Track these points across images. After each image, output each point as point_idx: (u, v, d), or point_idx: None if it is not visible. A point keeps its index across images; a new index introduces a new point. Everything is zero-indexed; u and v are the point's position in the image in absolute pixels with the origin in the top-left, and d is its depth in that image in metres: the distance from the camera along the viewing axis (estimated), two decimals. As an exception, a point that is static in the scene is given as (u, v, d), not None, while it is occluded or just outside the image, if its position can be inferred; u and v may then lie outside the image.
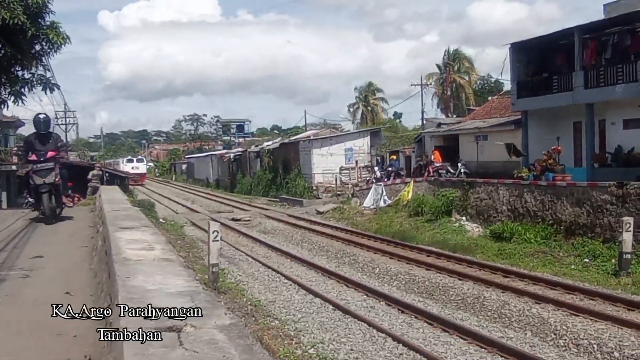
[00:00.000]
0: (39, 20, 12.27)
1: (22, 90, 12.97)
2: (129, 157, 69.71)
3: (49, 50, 12.86)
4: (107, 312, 3.11)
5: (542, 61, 19.99)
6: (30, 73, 13.11)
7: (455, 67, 50.43)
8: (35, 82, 13.07)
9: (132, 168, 60.60)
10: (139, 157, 72.72)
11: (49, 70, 13.39)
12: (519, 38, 18.22)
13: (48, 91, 13.46)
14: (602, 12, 15.25)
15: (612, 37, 15.59)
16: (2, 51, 12.23)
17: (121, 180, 35.30)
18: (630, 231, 12.07)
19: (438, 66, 53.00)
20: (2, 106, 14.96)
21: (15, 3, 11.04)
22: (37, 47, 12.84)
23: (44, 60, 13.06)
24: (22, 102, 13.33)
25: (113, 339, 2.45)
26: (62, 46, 12.82)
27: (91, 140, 76.19)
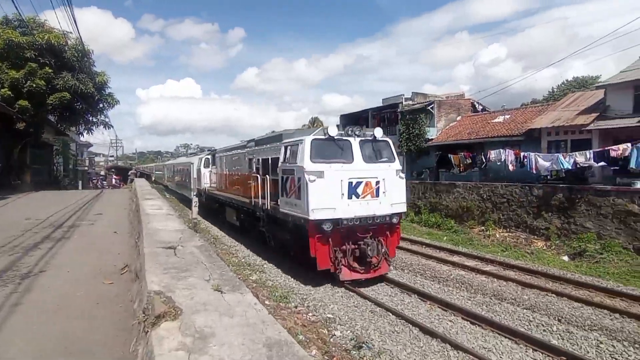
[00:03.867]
0: (102, 90, 24.81)
1: (92, 127, 27.15)
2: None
3: (107, 107, 26.22)
4: (137, 240, 6.06)
5: (355, 124, 28.36)
6: (97, 118, 26.78)
7: (315, 124, 59.12)
8: (99, 123, 27.24)
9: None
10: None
11: (107, 118, 27.53)
12: (346, 112, 34.11)
13: (106, 128, 28.58)
14: (382, 101, 31.12)
15: (386, 114, 29.96)
16: (81, 106, 24.10)
17: (147, 176, 56.07)
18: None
19: (309, 124, 61.28)
20: (80, 136, 36.03)
21: (87, 81, 22.77)
22: (100, 105, 25.70)
23: (104, 112, 26.77)
24: (91, 134, 28.52)
25: (139, 253, 5.40)
26: (115, 105, 26.24)
27: (131, 154, 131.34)
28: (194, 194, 22.07)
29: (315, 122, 63.67)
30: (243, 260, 12.54)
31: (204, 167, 22.03)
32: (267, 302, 8.37)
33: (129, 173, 49.16)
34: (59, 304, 4.25)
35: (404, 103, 27.31)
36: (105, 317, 3.96)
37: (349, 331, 7.46)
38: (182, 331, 2.49)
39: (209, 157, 22.29)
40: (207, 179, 21.28)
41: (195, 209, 14.16)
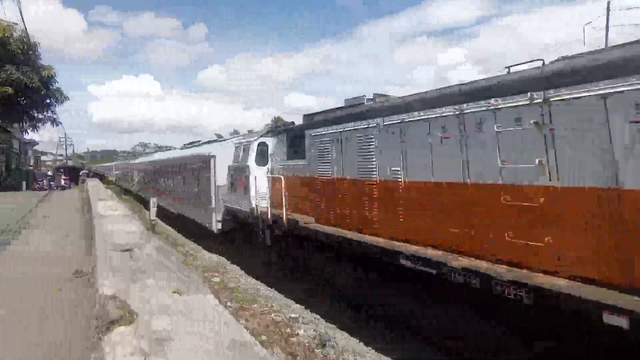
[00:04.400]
0: (49, 85, 23.77)
1: (37, 124, 26.03)
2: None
3: (55, 103, 25.25)
4: (90, 243, 5.78)
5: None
6: (43, 115, 25.39)
7: (278, 124, 61.89)
8: (45, 120, 25.85)
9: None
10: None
11: (55, 114, 26.26)
12: (310, 112, 36.17)
13: (54, 125, 27.54)
14: (344, 102, 32.11)
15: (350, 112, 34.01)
16: (25, 101, 23.10)
17: (100, 177, 53.37)
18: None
19: (272, 123, 65.02)
20: (25, 133, 32.38)
21: (33, 75, 21.53)
22: (47, 101, 24.60)
23: (51, 108, 25.45)
24: (37, 131, 27.36)
25: (92, 257, 5.15)
26: (64, 101, 25.57)
27: (82, 154, 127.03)
28: (219, 218, 13.06)
29: (278, 122, 63.50)
30: (205, 262, 12.26)
31: (258, 162, 11.41)
32: (229, 304, 8.23)
33: (81, 173, 46.60)
34: (4, 318, 3.94)
35: (365, 104, 27.76)
36: (57, 328, 3.72)
37: (312, 330, 7.48)
38: (138, 335, 2.39)
39: (279, 138, 11.10)
40: (278, 189, 9.88)
41: (153, 210, 13.65)
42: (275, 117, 68.80)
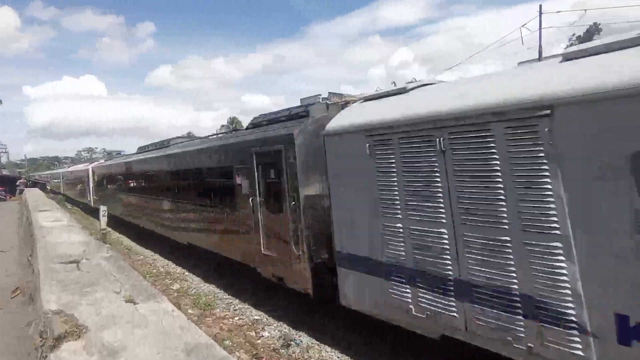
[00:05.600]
0: None
1: None
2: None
3: None
4: (29, 257, 5.38)
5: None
6: None
7: (234, 125, 62.10)
8: None
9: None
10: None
11: None
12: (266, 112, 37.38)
13: None
14: (299, 101, 35.21)
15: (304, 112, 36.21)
16: None
17: (42, 185, 50.34)
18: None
19: (228, 124, 62.11)
20: None
21: None
22: None
23: None
24: None
25: (33, 272, 4.82)
26: None
27: (19, 162, 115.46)
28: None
29: (234, 122, 62.32)
30: (162, 270, 11.80)
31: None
32: (190, 311, 7.98)
33: (18, 182, 42.31)
34: None
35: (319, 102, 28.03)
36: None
37: (277, 330, 7.44)
38: (88, 349, 2.26)
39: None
40: None
41: (104, 219, 12.95)
42: (230, 118, 67.47)
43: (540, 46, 23.49)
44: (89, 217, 23.37)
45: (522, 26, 24.14)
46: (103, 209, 13.68)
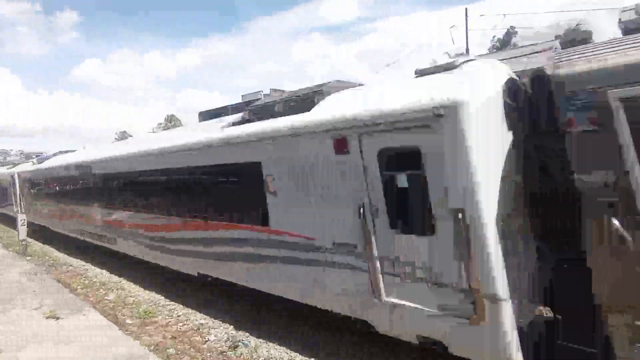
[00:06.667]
0: None
1: None
2: None
3: None
4: None
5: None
6: None
7: (172, 123, 58.57)
8: None
9: None
10: None
11: None
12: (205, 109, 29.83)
13: None
14: (241, 97, 27.98)
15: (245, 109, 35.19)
16: None
17: None
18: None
19: (165, 122, 61.28)
20: None
21: None
22: None
23: None
24: None
25: None
26: None
27: None
28: None
29: (171, 120, 59.44)
30: (95, 280, 10.93)
31: None
32: (129, 321, 7.48)
33: None
34: None
35: (262, 99, 27.77)
36: None
37: (224, 333, 7.26)
38: (0, 374, 2.03)
39: None
40: None
41: (22, 228, 11.70)
42: (168, 115, 64.21)
43: (467, 46, 25.29)
44: (8, 229, 21.07)
45: (451, 27, 25.85)
46: (22, 217, 12.41)
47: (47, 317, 2.77)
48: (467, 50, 24.38)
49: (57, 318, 2.75)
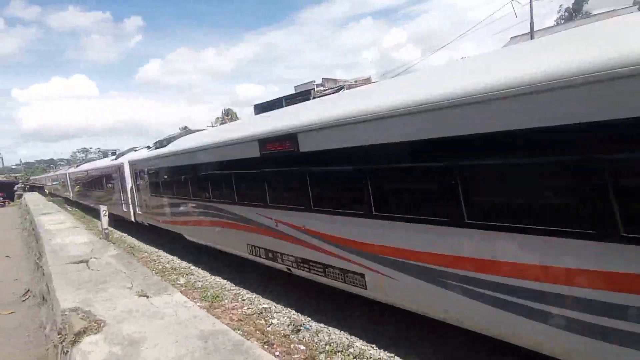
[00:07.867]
0: None
1: None
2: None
3: None
4: (38, 260, 5.45)
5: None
6: None
7: (229, 116, 59.99)
8: None
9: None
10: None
11: None
12: (260, 102, 36.98)
13: None
14: (294, 89, 32.22)
15: (299, 101, 38.72)
16: None
17: (39, 189, 49.93)
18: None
19: (222, 116, 61.83)
20: None
21: None
22: None
23: None
24: None
25: (43, 274, 4.89)
26: None
27: (14, 166, 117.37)
28: None
29: (228, 114, 61.94)
30: (167, 265, 11.93)
31: None
32: (198, 304, 8.09)
33: (15, 187, 42.28)
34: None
35: (315, 89, 27.99)
36: (13, 353, 3.52)
37: (286, 317, 7.59)
38: (109, 341, 2.35)
39: None
40: None
41: (105, 218, 13.01)
42: (225, 109, 66.99)
43: (532, 19, 23.37)
44: (88, 217, 23.45)
45: (513, 0, 24.00)
46: (103, 209, 13.74)
47: (138, 296, 3.12)
48: (532, 24, 22.54)
49: (147, 296, 3.09)
